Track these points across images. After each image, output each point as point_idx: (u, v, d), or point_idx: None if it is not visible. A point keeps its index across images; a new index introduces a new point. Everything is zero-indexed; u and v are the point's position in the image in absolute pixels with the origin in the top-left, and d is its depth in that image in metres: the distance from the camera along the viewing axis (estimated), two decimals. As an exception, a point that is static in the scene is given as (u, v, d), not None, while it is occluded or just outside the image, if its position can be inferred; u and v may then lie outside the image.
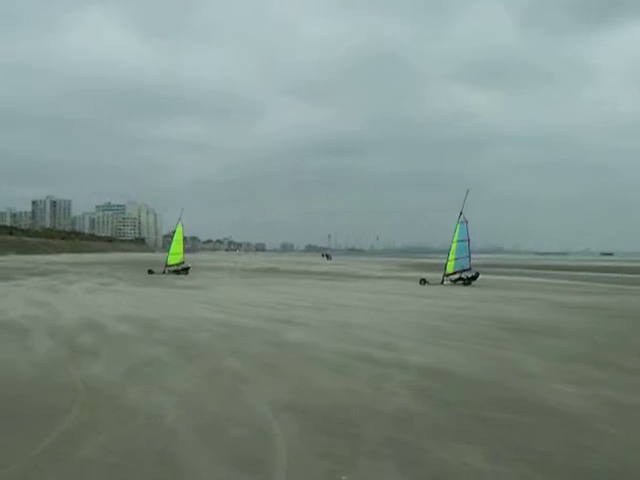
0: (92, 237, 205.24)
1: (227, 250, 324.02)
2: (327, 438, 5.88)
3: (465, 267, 33.24)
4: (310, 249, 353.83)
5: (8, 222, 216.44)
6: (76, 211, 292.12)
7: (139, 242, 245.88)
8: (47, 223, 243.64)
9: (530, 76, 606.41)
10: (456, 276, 32.81)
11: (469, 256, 33.58)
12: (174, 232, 47.31)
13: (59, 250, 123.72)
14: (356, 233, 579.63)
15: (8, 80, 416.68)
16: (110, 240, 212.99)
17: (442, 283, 32.31)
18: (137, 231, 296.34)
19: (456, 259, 33.33)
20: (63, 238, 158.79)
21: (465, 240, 33.65)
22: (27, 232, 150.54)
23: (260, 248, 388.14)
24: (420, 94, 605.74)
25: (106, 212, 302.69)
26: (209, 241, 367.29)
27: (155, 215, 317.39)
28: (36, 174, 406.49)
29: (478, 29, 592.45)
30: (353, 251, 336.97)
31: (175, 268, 41.75)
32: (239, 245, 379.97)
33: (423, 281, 32.22)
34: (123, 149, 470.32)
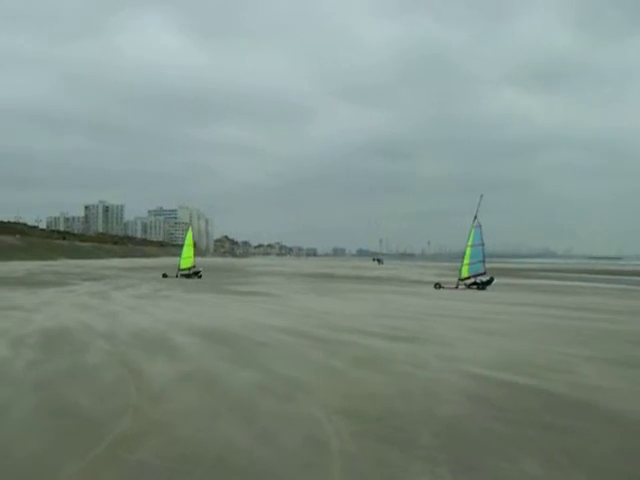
0: (144, 242, 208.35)
1: (278, 255, 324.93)
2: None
3: (480, 271, 33.50)
4: (361, 253, 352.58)
5: (62, 227, 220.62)
6: (128, 216, 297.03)
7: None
8: (100, 228, 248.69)
9: (584, 79, 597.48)
10: (471, 280, 32.99)
11: (483, 261, 33.93)
12: (187, 234, 49.55)
13: (111, 255, 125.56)
14: (407, 237, 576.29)
15: (61, 88, 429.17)
16: (162, 245, 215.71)
17: (457, 287, 32.29)
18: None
19: (470, 264, 33.69)
20: (115, 243, 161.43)
21: (479, 245, 34.04)
22: (80, 237, 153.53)
23: (311, 253, 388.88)
24: (472, 97, 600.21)
25: (158, 217, 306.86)
26: (260, 245, 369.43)
27: (207, 220, 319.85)
28: (89, 179, 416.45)
29: (531, 32, 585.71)
30: (404, 255, 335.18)
31: (187, 272, 41.97)
32: (290, 250, 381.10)
33: (438, 285, 32.76)
34: (174, 154, 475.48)
